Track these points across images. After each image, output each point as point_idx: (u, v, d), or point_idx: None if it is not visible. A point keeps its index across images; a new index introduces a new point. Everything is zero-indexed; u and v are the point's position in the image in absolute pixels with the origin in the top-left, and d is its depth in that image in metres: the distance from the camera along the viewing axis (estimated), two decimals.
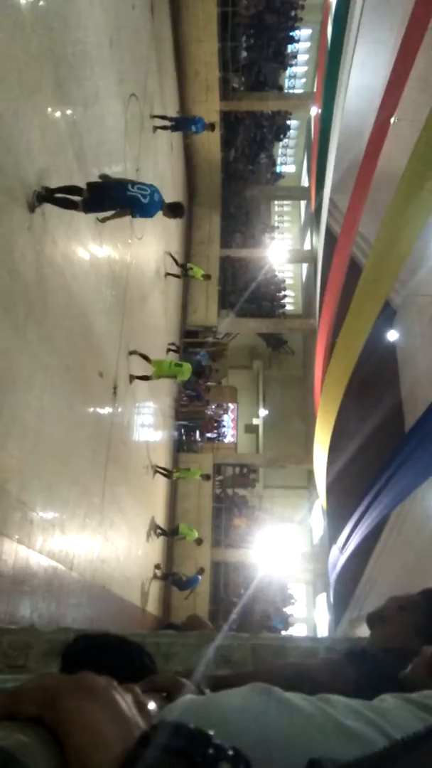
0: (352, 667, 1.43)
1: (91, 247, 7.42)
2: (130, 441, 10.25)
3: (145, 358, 10.18)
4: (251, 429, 24.73)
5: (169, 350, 14.60)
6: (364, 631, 1.83)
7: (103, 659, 1.25)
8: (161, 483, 13.89)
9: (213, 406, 20.09)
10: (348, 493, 12.02)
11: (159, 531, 13.12)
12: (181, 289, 18.08)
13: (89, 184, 5.76)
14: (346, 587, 13.44)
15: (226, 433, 21.56)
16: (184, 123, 13.55)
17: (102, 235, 7.87)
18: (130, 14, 9.64)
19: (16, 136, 4.91)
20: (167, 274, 14.30)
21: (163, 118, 12.48)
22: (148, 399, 11.90)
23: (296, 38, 21.10)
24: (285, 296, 23.90)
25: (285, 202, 30.07)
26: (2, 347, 4.71)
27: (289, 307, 25.02)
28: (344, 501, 12.58)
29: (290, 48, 20.99)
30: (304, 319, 21.72)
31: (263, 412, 25.13)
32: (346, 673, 1.41)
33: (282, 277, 25.24)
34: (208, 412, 18.92)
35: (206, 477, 14.88)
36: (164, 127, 12.49)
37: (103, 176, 6.00)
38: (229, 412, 22.13)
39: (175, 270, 14.79)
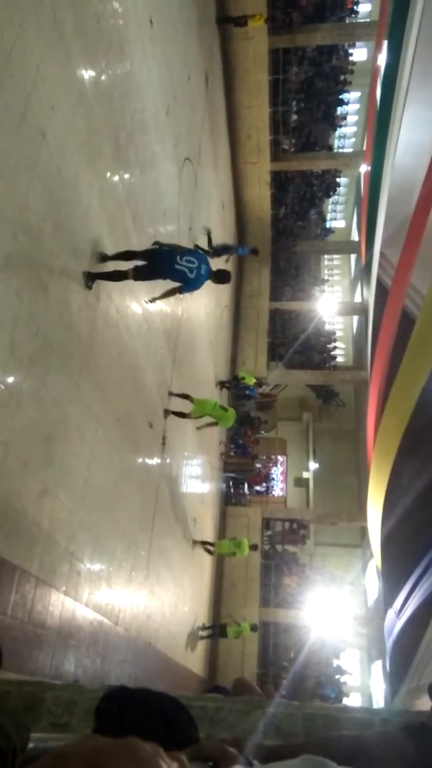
0: (410, 742, 1.31)
1: (144, 301, 7.64)
2: (177, 493, 10.19)
3: (186, 397, 9.36)
4: (301, 483, 24.21)
5: (221, 386, 14.53)
6: (423, 703, 1.69)
7: (140, 721, 1.18)
8: (209, 537, 13.66)
9: (262, 458, 19.87)
10: (404, 554, 11.46)
11: (203, 632, 12.45)
12: (231, 341, 18.29)
13: (142, 252, 5.93)
14: (404, 655, 12.61)
15: (275, 486, 21.19)
16: (226, 250, 12.92)
17: (155, 290, 8.11)
18: (185, 84, 10.23)
19: (76, 200, 5.19)
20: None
21: (207, 251, 11.56)
22: (196, 450, 11.88)
23: (346, 100, 21.79)
24: (335, 348, 23.79)
25: (335, 255, 30.36)
26: (57, 397, 4.83)
27: (339, 359, 24.85)
28: (400, 562, 11.99)
29: (340, 110, 21.66)
30: (356, 370, 21.47)
31: (313, 465, 24.62)
32: (404, 749, 1.29)
33: (332, 328, 25.23)
34: (257, 465, 18.70)
35: (254, 547, 13.66)
36: (206, 252, 11.28)
37: (157, 243, 6.26)
38: (279, 465, 21.83)
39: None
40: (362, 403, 21.09)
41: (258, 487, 19.40)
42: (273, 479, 21.20)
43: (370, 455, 12.34)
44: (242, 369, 18.80)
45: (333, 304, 23.59)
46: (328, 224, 27.54)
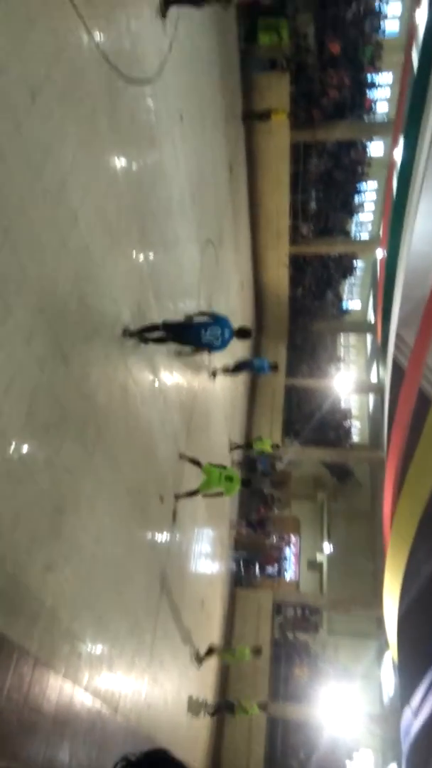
0: None
1: (163, 374, 7.75)
2: (186, 572, 9.87)
3: (196, 463, 9.19)
4: (314, 566, 23.35)
5: (231, 448, 14.40)
6: None
7: None
8: (216, 621, 13.09)
9: (274, 537, 19.32)
10: (424, 646, 10.85)
11: (210, 710, 11.92)
12: (246, 415, 18.30)
13: (165, 325, 6.42)
14: (422, 758, 11.63)
15: (287, 568, 20.46)
16: (246, 366, 13.52)
17: (173, 364, 8.24)
18: (211, 173, 10.84)
19: (102, 276, 5.40)
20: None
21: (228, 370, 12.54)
22: (206, 525, 11.61)
23: (363, 190, 22.85)
24: (351, 426, 23.64)
25: (351, 334, 30.80)
26: (70, 468, 4.82)
27: (355, 438, 24.60)
28: (418, 654, 11.32)
29: (357, 199, 22.67)
30: (372, 450, 21.19)
31: (327, 547, 23.84)
32: None
33: (348, 406, 25.17)
34: (269, 543, 18.15)
35: (256, 652, 12.93)
36: (226, 370, 12.37)
37: (187, 317, 6.71)
38: (291, 545, 21.18)
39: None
40: (378, 484, 20.67)
41: (269, 569, 18.73)
42: (285, 560, 20.50)
43: (387, 539, 11.95)
44: (257, 443, 18.66)
45: (349, 382, 23.68)
46: (344, 305, 28.14)
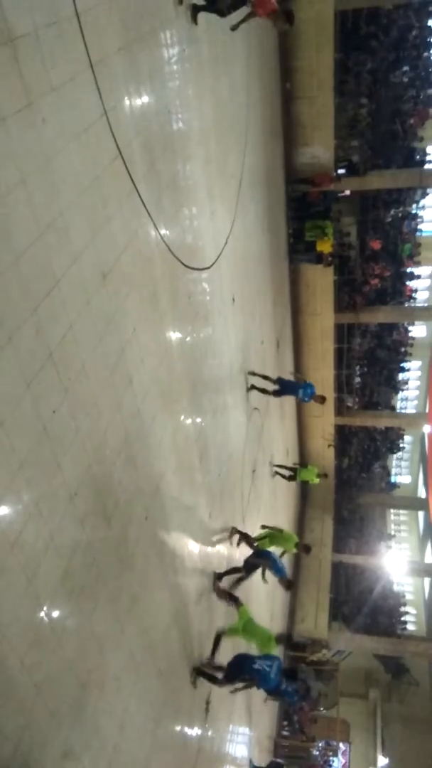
0: None
1: (201, 540, 7.51)
2: None
3: (246, 538, 9.32)
4: None
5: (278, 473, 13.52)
6: None
7: None
8: None
9: (320, 744, 16.80)
10: None
11: None
12: (289, 595, 17.07)
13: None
14: None
15: None
16: (290, 389, 11.65)
17: (214, 530, 8.02)
18: (259, 347, 11.50)
19: (150, 438, 5.56)
20: (276, 473, 13.70)
21: (265, 392, 11.07)
22: (243, 721, 10.29)
23: (407, 368, 23.53)
24: (406, 612, 21.61)
25: (401, 511, 29.57)
26: (100, 638, 4.51)
27: (410, 627, 22.34)
28: None
29: (401, 375, 23.26)
30: (430, 642, 19.04)
31: (382, 760, 20.37)
32: None
33: (401, 590, 23.27)
34: (314, 752, 15.75)
35: None
36: (264, 391, 10.98)
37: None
38: (340, 755, 18.26)
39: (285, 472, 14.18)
40: None
41: None
42: None
43: None
44: (300, 626, 17.12)
45: (401, 562, 22.16)
46: (393, 479, 27.44)
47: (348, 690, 20.32)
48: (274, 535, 9.89)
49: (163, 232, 5.73)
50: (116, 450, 4.79)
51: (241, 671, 6.78)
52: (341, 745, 18.34)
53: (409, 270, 20.26)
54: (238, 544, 9.34)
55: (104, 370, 4.56)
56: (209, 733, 7.91)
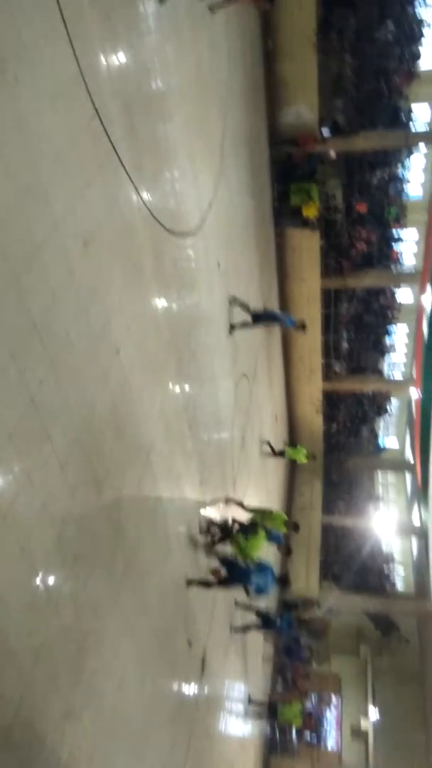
0: None
1: (193, 506, 7.60)
2: (214, 731, 8.85)
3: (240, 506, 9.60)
4: (358, 734, 20.64)
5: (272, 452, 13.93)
6: None
7: None
8: None
9: (312, 697, 17.38)
10: None
11: None
12: (281, 558, 17.42)
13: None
14: None
15: (328, 735, 18.15)
16: (270, 317, 11.48)
17: (205, 495, 8.11)
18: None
19: (138, 407, 5.55)
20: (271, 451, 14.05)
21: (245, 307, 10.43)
22: (238, 678, 10.60)
23: (393, 332, 23.61)
24: (394, 572, 22.16)
25: (389, 473, 30.04)
26: (96, 603, 4.59)
27: (399, 586, 22.93)
28: None
29: (388, 340, 23.35)
30: (418, 600, 19.59)
31: (373, 711, 21.17)
32: None
33: (389, 550, 23.80)
34: (307, 705, 16.29)
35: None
36: (245, 324, 10.40)
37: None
38: (332, 707, 18.94)
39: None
40: (427, 641, 18.85)
41: (308, 733, 16.64)
42: (325, 725, 18.23)
43: None
44: (292, 587, 17.51)
45: (389, 523, 22.63)
46: (380, 442, 27.80)
47: (339, 647, 20.98)
48: (264, 512, 9.99)
49: (144, 196, 5.62)
50: (105, 419, 4.79)
51: (239, 580, 7.38)
52: (333, 698, 19.01)
53: (395, 233, 20.13)
54: (227, 503, 9.43)
55: (90, 340, 4.52)
56: (205, 690, 8.15)
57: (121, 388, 5.12)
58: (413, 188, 23.26)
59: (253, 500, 12.00)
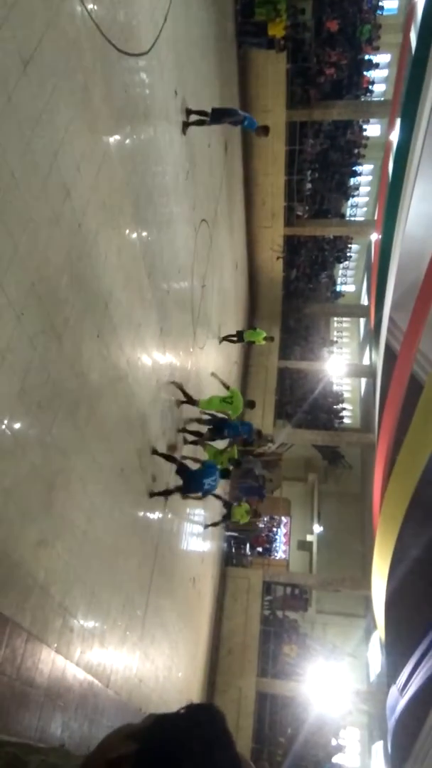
0: None
1: (155, 354, 7.73)
2: (177, 550, 9.96)
3: (189, 399, 9.44)
4: (305, 546, 23.64)
5: (226, 339, 13.91)
6: None
7: None
8: (207, 599, 13.24)
9: (265, 519, 19.48)
10: (410, 627, 11.04)
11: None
12: None
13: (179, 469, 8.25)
14: (407, 735, 11.90)
15: (277, 548, 20.68)
16: (229, 114, 9.58)
17: (166, 344, 8.22)
18: (205, 151, 10.70)
19: (94, 254, 5.34)
20: (224, 339, 13.78)
21: (200, 113, 9.12)
22: (198, 505, 11.69)
23: (359, 172, 22.65)
24: (343, 409, 23.74)
25: (344, 318, 30.81)
26: (62, 446, 4.82)
27: (346, 421, 24.73)
28: (405, 635, 11.52)
29: (353, 180, 22.48)
30: (363, 433, 21.34)
31: (318, 528, 24.09)
32: None
33: (340, 390, 25.26)
34: (260, 525, 18.31)
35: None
36: (201, 122, 9.12)
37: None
38: (282, 526, 21.37)
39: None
40: (369, 467, 20.84)
41: (260, 549, 18.92)
42: (276, 541, 20.71)
43: (376, 521, 12.08)
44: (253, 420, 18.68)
45: (341, 365, 23.73)
46: (338, 288, 28.06)
47: (290, 475, 23.11)
48: (224, 400, 10.17)
49: (90, 6, 4.87)
50: (60, 267, 4.62)
51: (193, 486, 8.13)
52: (283, 519, 21.35)
53: (367, 57, 18.40)
54: (180, 405, 9.38)
55: (37, 180, 4.19)
56: (169, 516, 9.00)
57: (74, 233, 4.87)
58: (388, 2, 20.82)
59: (213, 350, 12.26)
